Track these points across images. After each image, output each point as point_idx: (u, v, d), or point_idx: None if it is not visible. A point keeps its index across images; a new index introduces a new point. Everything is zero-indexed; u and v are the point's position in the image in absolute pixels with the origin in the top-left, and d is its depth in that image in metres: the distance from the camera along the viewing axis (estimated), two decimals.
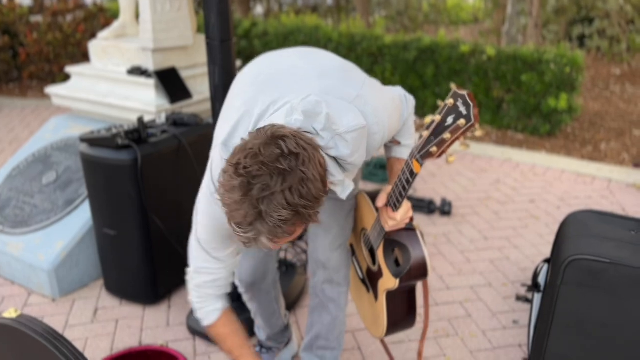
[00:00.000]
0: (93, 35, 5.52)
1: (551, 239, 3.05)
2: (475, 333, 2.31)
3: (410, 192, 3.62)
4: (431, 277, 2.68)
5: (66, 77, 5.68)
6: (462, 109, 1.17)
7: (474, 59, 4.77)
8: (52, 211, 2.65)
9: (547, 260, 1.89)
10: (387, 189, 1.44)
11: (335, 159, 1.20)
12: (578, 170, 3.98)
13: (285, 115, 1.16)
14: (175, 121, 2.52)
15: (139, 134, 2.29)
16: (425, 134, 1.22)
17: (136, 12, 3.23)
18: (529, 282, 2.63)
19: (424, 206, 3.31)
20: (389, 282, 1.55)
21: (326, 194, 1.08)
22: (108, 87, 2.99)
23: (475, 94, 4.86)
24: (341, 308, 1.83)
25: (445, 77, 4.95)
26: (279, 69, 1.35)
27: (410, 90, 5.14)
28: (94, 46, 3.11)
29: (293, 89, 1.25)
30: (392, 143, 1.55)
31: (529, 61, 4.55)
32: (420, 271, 1.53)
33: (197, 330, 2.25)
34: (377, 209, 1.53)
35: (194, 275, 1.46)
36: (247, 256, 1.78)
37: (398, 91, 1.52)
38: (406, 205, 1.41)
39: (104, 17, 6.01)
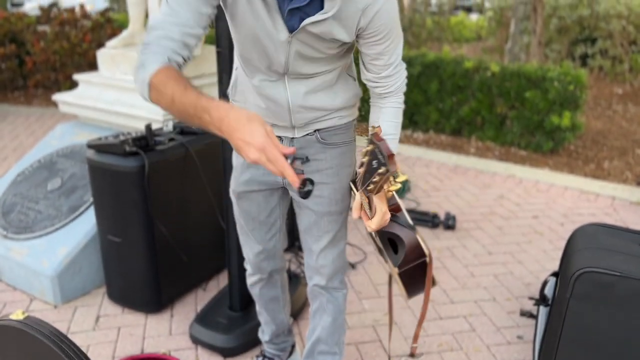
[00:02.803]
0: (99, 45, 5.56)
1: (555, 254, 3.05)
2: (479, 348, 2.29)
3: (414, 206, 3.62)
4: (435, 290, 2.67)
5: (71, 86, 5.71)
6: (380, 156, 1.19)
7: (478, 75, 4.80)
8: (56, 217, 2.65)
9: (554, 274, 1.89)
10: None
11: None
12: (581, 187, 3.98)
13: None
14: (182, 129, 2.53)
15: (147, 141, 2.30)
16: (361, 170, 1.26)
17: (145, 21, 3.26)
18: (534, 297, 2.62)
19: (428, 220, 3.31)
20: (393, 270, 1.59)
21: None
22: (115, 95, 3.00)
23: (478, 110, 4.89)
24: (340, 310, 1.82)
25: (449, 92, 4.97)
26: None
27: (414, 105, 5.16)
28: (103, 55, 3.13)
29: None
30: (373, 128, 1.53)
31: (533, 78, 4.58)
32: (417, 253, 1.54)
33: (199, 340, 2.23)
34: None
35: (147, 33, 1.27)
36: (256, 239, 1.76)
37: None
38: (379, 212, 1.40)
39: (111, 27, 6.06)
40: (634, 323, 1.32)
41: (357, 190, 1.33)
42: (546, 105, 4.55)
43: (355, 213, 1.45)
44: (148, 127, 2.30)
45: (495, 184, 4.06)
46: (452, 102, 5.01)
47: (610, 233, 1.58)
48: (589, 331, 1.36)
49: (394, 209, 1.56)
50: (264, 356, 2.07)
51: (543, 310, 2.33)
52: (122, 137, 2.27)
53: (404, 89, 1.54)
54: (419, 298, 2.09)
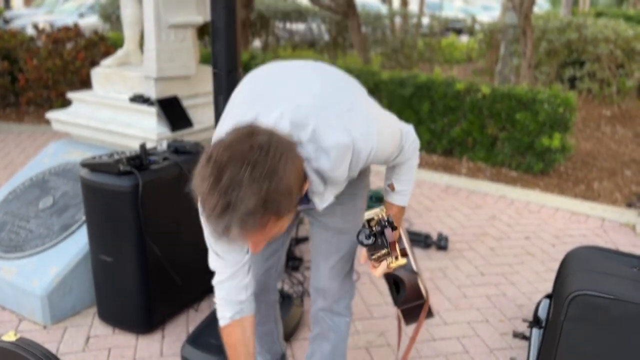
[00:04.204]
0: (93, 63, 5.56)
1: (547, 276, 3.06)
2: None
3: (407, 226, 3.63)
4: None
5: (63, 104, 5.70)
6: (384, 240, 1.35)
7: (469, 96, 4.86)
8: (47, 236, 2.62)
9: (548, 296, 1.89)
10: None
11: (317, 170, 1.25)
12: (572, 209, 4.02)
13: (273, 121, 1.21)
14: (176, 149, 2.53)
15: (141, 160, 2.30)
16: (369, 242, 1.39)
17: (140, 41, 3.27)
18: (527, 319, 2.62)
19: (421, 240, 3.32)
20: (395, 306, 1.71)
21: (300, 193, 1.11)
22: (109, 114, 3.00)
23: (469, 131, 4.94)
24: (342, 338, 1.81)
25: (440, 113, 5.02)
26: (278, 77, 1.37)
27: None
28: (97, 73, 3.14)
29: (288, 96, 1.28)
30: (389, 187, 1.58)
31: (523, 100, 4.64)
32: (417, 296, 1.66)
33: None
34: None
35: (215, 276, 1.50)
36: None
37: (404, 126, 1.51)
38: (383, 265, 1.45)
39: (105, 46, 6.08)
40: (628, 345, 1.33)
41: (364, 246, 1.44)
42: (536, 126, 4.61)
43: (362, 259, 1.49)
44: (142, 146, 2.30)
45: (487, 204, 4.09)
46: (444, 123, 5.05)
47: (604, 256, 1.59)
48: (583, 353, 1.36)
49: (402, 254, 1.62)
50: None
51: (536, 332, 2.33)
52: (116, 156, 2.26)
53: (417, 152, 1.55)
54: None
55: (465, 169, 4.87)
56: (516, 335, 2.48)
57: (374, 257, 1.41)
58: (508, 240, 3.49)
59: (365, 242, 1.37)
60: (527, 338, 2.46)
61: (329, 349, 1.79)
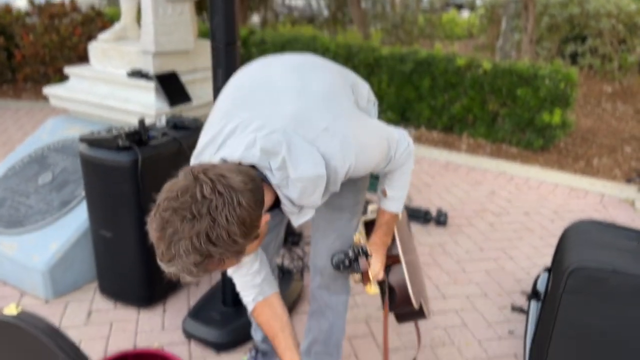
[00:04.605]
0: (90, 39, 5.50)
1: (546, 251, 3.07)
2: (470, 342, 2.31)
3: (406, 202, 3.63)
4: (427, 286, 2.68)
5: (61, 79, 5.65)
6: (357, 266, 1.50)
7: (470, 72, 4.82)
8: (47, 212, 2.63)
9: (547, 269, 1.90)
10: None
11: (287, 197, 1.27)
12: (571, 185, 4.02)
13: (245, 147, 1.22)
14: (175, 124, 2.51)
15: (140, 135, 2.29)
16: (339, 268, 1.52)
17: (137, 16, 3.23)
18: (525, 293, 2.64)
19: (420, 216, 3.32)
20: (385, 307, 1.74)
21: (250, 235, 1.10)
22: (107, 89, 2.98)
23: (470, 107, 4.91)
24: (339, 315, 1.82)
25: (441, 89, 4.99)
26: (259, 84, 1.36)
27: (406, 102, 5.18)
28: (94, 48, 3.11)
29: (265, 111, 1.28)
30: (381, 193, 1.58)
31: (524, 76, 4.60)
32: (407, 304, 1.69)
33: (193, 334, 2.23)
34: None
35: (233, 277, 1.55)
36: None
37: (393, 132, 1.48)
38: (372, 272, 1.53)
39: (101, 21, 6.01)
40: (626, 317, 1.34)
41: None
42: (537, 102, 4.58)
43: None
44: (141, 121, 2.29)
45: (487, 180, 4.09)
46: (444, 99, 5.03)
47: (603, 229, 1.60)
48: (582, 325, 1.37)
49: (394, 261, 1.65)
50: (257, 351, 2.07)
51: (534, 305, 2.36)
52: (115, 132, 2.25)
53: (410, 158, 1.53)
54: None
55: (466, 145, 4.86)
56: (514, 308, 2.51)
57: (350, 277, 1.49)
58: (507, 216, 3.50)
59: (337, 266, 1.47)
60: (525, 311, 2.48)
61: (326, 326, 1.81)
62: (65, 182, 2.73)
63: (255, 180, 1.14)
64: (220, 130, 1.30)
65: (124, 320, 2.37)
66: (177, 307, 2.46)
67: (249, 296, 1.54)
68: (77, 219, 2.56)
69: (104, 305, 2.47)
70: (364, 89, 1.60)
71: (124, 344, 2.22)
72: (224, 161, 1.26)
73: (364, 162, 1.35)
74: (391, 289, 1.68)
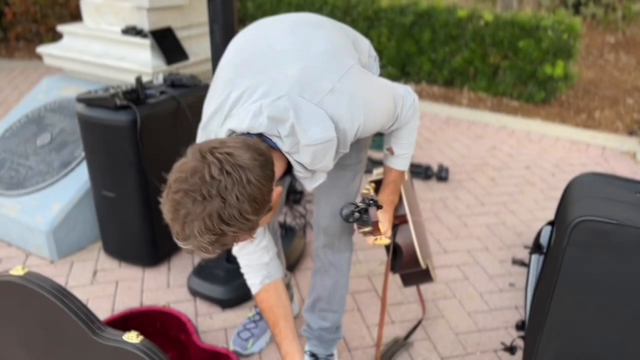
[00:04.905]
0: None
1: (547, 204, 3.08)
2: (472, 295, 2.34)
3: None
4: (429, 241, 2.71)
5: (54, 38, 5.54)
6: (367, 217, 1.44)
7: (471, 24, 4.72)
8: (47, 173, 2.62)
9: (550, 223, 1.91)
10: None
11: (299, 163, 1.26)
12: (572, 138, 4.00)
13: (251, 116, 1.20)
14: (173, 82, 2.47)
15: (137, 94, 2.25)
16: (350, 220, 1.47)
17: None
18: (527, 246, 2.67)
19: (421, 172, 3.32)
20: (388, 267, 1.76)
21: (262, 210, 1.11)
22: (102, 47, 2.92)
23: (471, 60, 4.83)
24: (343, 273, 1.84)
25: (441, 42, 4.90)
26: (260, 48, 1.33)
27: (406, 55, 5.09)
28: (86, 4, 3.02)
29: (269, 76, 1.25)
30: (388, 151, 1.55)
31: (527, 27, 4.51)
32: (413, 263, 1.70)
33: (198, 292, 2.26)
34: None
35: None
36: None
37: (398, 88, 1.45)
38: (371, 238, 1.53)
39: None
40: (631, 270, 1.34)
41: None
42: (539, 54, 4.51)
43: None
44: (138, 80, 2.25)
45: (488, 135, 4.06)
46: (445, 52, 4.94)
47: (607, 182, 1.59)
48: (585, 279, 1.38)
49: (401, 221, 1.64)
50: None
51: (535, 258, 2.38)
52: (112, 91, 2.22)
53: (416, 114, 1.50)
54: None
55: (466, 99, 4.81)
56: (515, 262, 2.53)
57: (360, 231, 1.46)
58: (508, 170, 3.49)
59: (346, 218, 1.42)
60: (526, 264, 2.51)
61: (330, 284, 1.82)
62: (64, 142, 2.71)
63: (264, 154, 1.13)
64: (224, 99, 1.28)
65: (129, 279, 2.40)
66: (182, 266, 2.48)
67: (255, 278, 1.54)
68: (78, 180, 2.56)
69: (108, 265, 2.49)
70: (364, 44, 1.57)
71: (130, 302, 2.25)
72: (232, 132, 1.24)
73: (372, 121, 1.34)
74: (398, 249, 1.69)
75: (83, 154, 2.59)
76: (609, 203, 1.41)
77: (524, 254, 2.61)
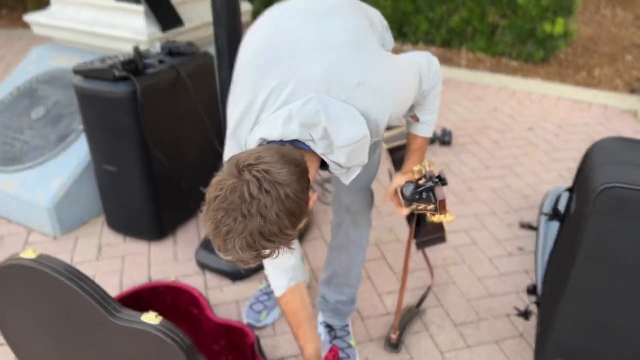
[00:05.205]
0: None
1: (551, 166, 3.07)
2: (481, 260, 2.34)
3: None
4: None
5: (39, 5, 5.34)
6: (433, 196, 1.37)
7: None
8: (44, 147, 2.54)
9: (569, 189, 1.89)
10: (402, 173, 1.52)
11: (334, 162, 1.25)
12: (573, 97, 3.96)
13: (282, 123, 1.18)
14: (170, 50, 2.38)
15: (136, 64, 2.17)
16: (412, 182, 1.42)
17: None
18: (532, 210, 2.66)
19: None
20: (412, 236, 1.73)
21: (300, 222, 1.12)
22: (93, 15, 2.80)
23: (469, 19, 4.73)
24: (361, 248, 1.82)
25: (439, 1, 4.78)
26: (280, 45, 1.27)
27: (403, 15, 4.97)
28: None
29: (292, 78, 1.21)
30: (412, 118, 1.51)
31: None
32: (437, 229, 1.69)
33: (207, 265, 2.24)
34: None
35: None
36: None
37: (421, 59, 1.40)
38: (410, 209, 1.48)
39: None
40: None
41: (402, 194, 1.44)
42: (539, 11, 4.42)
43: (386, 196, 1.52)
44: (136, 49, 2.17)
45: (488, 96, 4.01)
46: (442, 11, 4.83)
47: (627, 147, 1.56)
48: (610, 247, 1.37)
49: (440, 205, 1.61)
50: None
51: (544, 222, 2.37)
52: (109, 61, 2.13)
53: (439, 80, 1.45)
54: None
55: (465, 60, 4.73)
56: (523, 225, 2.53)
57: (418, 209, 1.41)
58: (511, 132, 3.46)
59: (411, 198, 1.37)
60: (534, 228, 2.50)
61: (348, 260, 1.81)
62: (60, 115, 2.62)
63: (300, 164, 1.11)
64: (251, 102, 1.25)
65: (136, 253, 2.37)
66: (188, 239, 2.45)
67: (281, 280, 1.55)
68: (77, 154, 2.49)
69: (113, 239, 2.45)
70: (377, 17, 1.52)
71: (138, 277, 2.23)
72: (263, 140, 1.22)
73: (403, 105, 1.33)
74: (422, 218, 1.65)
75: (80, 127, 2.52)
76: (633, 169, 1.39)
77: (531, 217, 2.60)
